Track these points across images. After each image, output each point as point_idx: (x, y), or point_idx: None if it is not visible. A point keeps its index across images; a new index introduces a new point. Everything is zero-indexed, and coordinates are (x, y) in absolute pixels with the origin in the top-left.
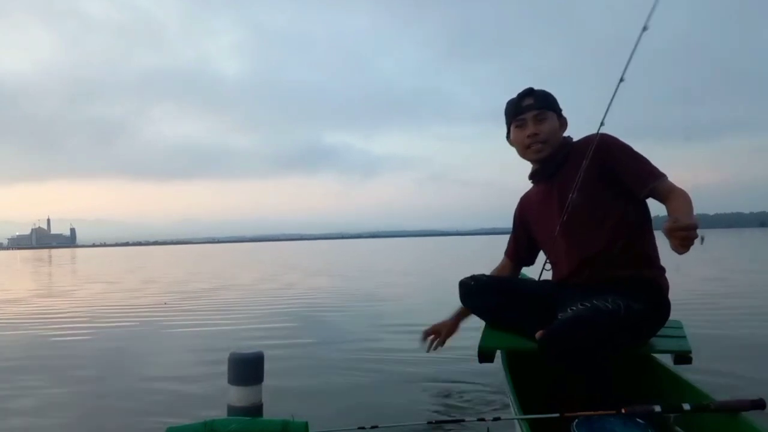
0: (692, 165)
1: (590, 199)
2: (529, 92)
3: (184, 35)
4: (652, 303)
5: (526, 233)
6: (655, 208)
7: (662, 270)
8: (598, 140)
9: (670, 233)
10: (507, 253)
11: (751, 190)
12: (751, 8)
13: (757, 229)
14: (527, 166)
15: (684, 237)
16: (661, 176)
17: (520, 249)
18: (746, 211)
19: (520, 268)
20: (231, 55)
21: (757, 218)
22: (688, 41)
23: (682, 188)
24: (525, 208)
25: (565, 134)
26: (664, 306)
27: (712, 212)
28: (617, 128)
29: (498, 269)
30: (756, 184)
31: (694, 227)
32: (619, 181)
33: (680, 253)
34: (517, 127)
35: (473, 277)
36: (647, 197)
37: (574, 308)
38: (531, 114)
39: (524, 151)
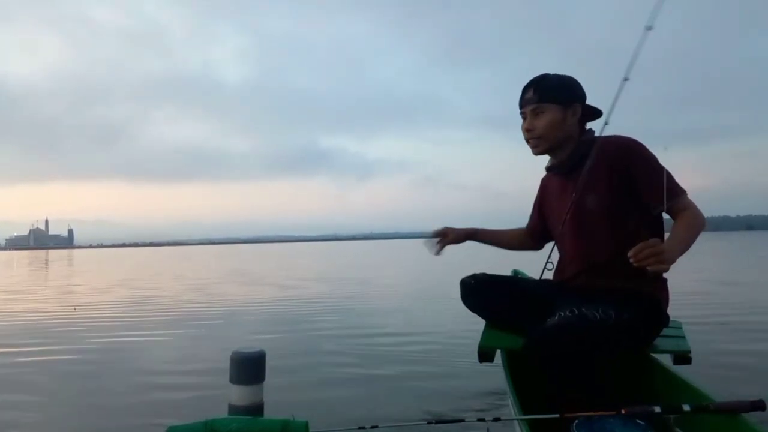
0: (680, 169)
1: (604, 206)
2: (532, 83)
3: (188, 41)
4: (647, 316)
5: (541, 217)
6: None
7: (663, 282)
8: (620, 145)
9: (636, 262)
10: (527, 225)
11: (739, 193)
12: (740, 16)
13: (744, 232)
14: (524, 168)
15: (648, 255)
16: (680, 194)
17: (536, 226)
18: (733, 214)
19: (536, 244)
20: (233, 61)
21: (744, 221)
22: (679, 48)
23: (696, 210)
24: (544, 193)
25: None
26: (659, 319)
27: None
28: (616, 130)
29: (512, 230)
30: (743, 188)
31: (658, 250)
32: (636, 192)
33: (659, 270)
34: (522, 118)
35: (474, 276)
36: (661, 213)
37: (563, 314)
38: (530, 108)
39: (526, 143)
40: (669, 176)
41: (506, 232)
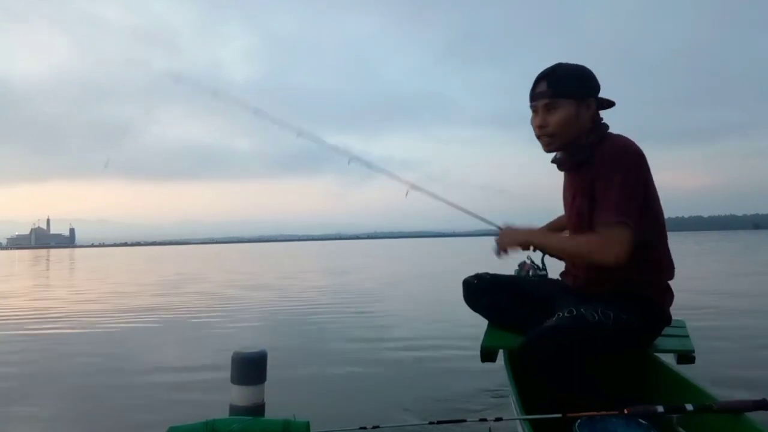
0: (688, 168)
1: (593, 211)
2: (545, 76)
3: (196, 41)
4: (646, 316)
5: None
6: (667, 211)
7: (664, 283)
8: (610, 151)
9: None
10: None
11: (745, 192)
12: (749, 15)
13: (751, 231)
14: (524, 168)
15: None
16: (609, 220)
17: None
18: (740, 213)
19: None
20: (241, 61)
21: (751, 220)
22: (689, 47)
23: (598, 245)
24: (563, 186)
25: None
26: (659, 319)
27: (706, 214)
28: (624, 131)
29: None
30: (750, 186)
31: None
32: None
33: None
34: (532, 112)
35: (477, 276)
36: (662, 217)
37: (561, 314)
38: (542, 102)
39: (537, 139)
40: (618, 197)
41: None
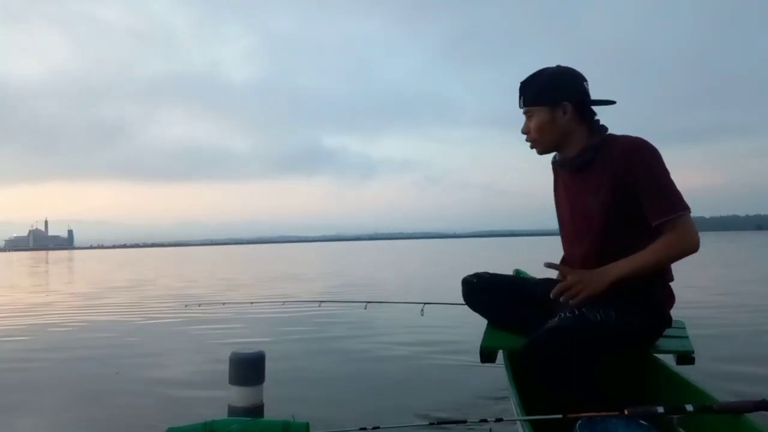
0: (689, 168)
1: (605, 211)
2: (521, 86)
3: (195, 41)
4: (648, 317)
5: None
6: None
7: (666, 284)
8: (627, 149)
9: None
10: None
11: (748, 193)
12: (750, 16)
13: (754, 231)
14: (525, 168)
15: (559, 292)
16: (676, 212)
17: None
18: (742, 213)
19: None
20: (240, 61)
21: (753, 221)
22: (689, 49)
23: (684, 236)
24: (555, 185)
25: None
26: (661, 320)
27: (708, 215)
28: (624, 131)
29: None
30: (752, 187)
31: (569, 286)
32: (638, 200)
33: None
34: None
35: (476, 275)
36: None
37: (563, 315)
38: (522, 111)
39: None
40: (672, 189)
41: None
